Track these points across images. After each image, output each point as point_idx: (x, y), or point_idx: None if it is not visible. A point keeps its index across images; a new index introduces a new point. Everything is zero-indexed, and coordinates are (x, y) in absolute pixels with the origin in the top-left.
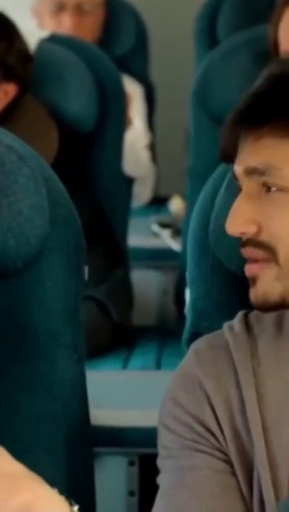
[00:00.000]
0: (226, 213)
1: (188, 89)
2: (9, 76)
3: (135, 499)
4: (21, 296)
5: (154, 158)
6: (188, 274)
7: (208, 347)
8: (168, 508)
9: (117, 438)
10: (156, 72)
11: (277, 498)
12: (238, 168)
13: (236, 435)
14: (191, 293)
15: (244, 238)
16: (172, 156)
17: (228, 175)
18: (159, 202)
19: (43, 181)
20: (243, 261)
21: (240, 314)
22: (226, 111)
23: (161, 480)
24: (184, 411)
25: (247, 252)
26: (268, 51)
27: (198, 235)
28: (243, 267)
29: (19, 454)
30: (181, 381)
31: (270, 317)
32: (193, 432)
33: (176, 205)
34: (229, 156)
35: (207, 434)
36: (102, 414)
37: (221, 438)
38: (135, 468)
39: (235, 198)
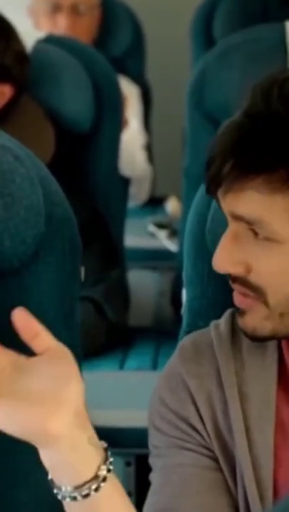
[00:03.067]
0: (222, 214)
1: (184, 89)
2: (6, 77)
3: (132, 499)
4: (18, 296)
5: (150, 158)
6: (184, 275)
7: (194, 346)
8: (156, 506)
9: (113, 438)
10: (152, 72)
11: (261, 496)
12: (224, 206)
13: (218, 434)
14: (188, 293)
15: (232, 275)
16: (168, 157)
17: None
18: (155, 202)
19: (39, 181)
20: None
21: (227, 313)
22: (221, 111)
23: (152, 478)
24: (169, 409)
25: (236, 287)
26: (264, 51)
27: (194, 236)
28: None
29: (16, 454)
30: (166, 380)
31: None
32: (178, 430)
33: (172, 205)
34: (215, 182)
35: (191, 432)
36: (99, 414)
37: (205, 434)
38: (132, 469)
39: None
